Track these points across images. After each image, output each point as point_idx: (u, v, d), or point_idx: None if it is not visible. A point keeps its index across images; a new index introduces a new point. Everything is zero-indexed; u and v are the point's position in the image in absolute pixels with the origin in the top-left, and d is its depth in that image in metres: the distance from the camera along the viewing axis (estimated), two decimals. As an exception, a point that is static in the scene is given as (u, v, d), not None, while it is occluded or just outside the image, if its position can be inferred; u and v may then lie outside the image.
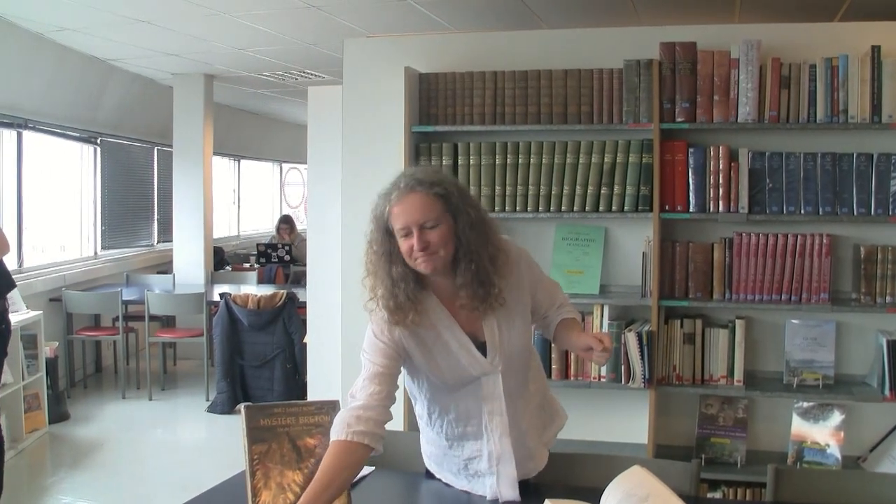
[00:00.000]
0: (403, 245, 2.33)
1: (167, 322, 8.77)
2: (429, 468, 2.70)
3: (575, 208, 4.17)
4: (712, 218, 4.10)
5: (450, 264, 2.38)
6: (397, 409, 4.05)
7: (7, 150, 7.49)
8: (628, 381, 4.10)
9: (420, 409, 2.63)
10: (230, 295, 7.24)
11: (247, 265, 11.19)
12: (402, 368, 2.48)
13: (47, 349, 6.76)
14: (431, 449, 2.67)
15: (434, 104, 4.35)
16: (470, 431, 2.53)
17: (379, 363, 2.38)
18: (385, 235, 2.37)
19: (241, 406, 2.26)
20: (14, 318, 6.14)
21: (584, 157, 4.17)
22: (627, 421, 4.29)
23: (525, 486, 2.57)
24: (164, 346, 8.57)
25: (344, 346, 4.73)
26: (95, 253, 9.15)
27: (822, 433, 4.07)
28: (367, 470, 2.68)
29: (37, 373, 6.45)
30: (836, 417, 4.05)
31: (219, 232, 11.49)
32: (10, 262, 7.41)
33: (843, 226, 4.10)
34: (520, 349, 2.54)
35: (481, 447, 2.52)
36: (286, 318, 7.15)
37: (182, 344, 8.84)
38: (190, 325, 8.27)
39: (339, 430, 2.25)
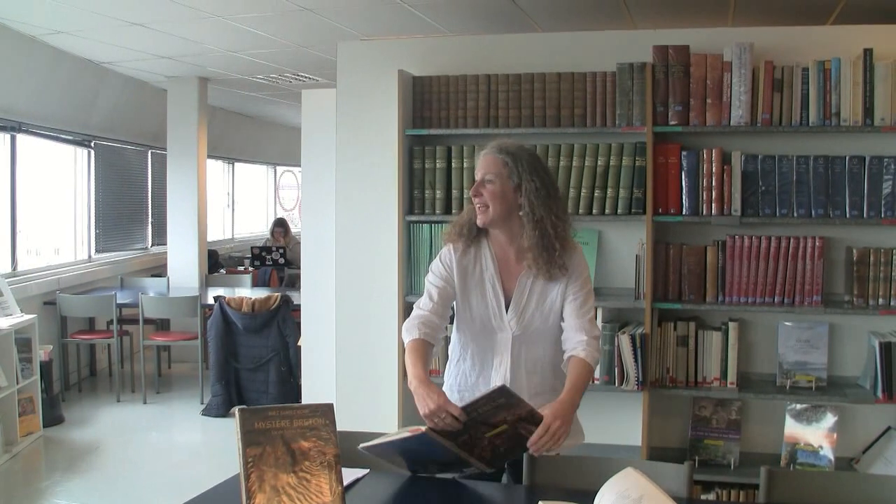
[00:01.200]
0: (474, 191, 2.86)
1: (161, 325, 8.75)
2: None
3: (569, 211, 4.18)
4: (705, 221, 4.12)
5: (503, 223, 2.86)
6: (392, 412, 4.09)
7: (0, 153, 7.48)
8: (622, 384, 4.11)
9: (449, 366, 3.08)
10: (224, 298, 7.23)
11: (241, 268, 11.17)
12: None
13: (41, 353, 6.74)
14: (462, 376, 3.00)
15: (427, 107, 4.37)
16: (481, 382, 2.93)
17: (437, 284, 2.94)
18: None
19: (236, 409, 2.27)
20: (8, 321, 6.16)
21: (578, 160, 4.18)
22: (621, 423, 4.30)
23: (517, 482, 2.62)
24: (159, 349, 8.56)
25: (338, 349, 4.74)
26: (89, 256, 9.13)
27: (815, 435, 4.09)
28: (360, 472, 2.69)
29: (31, 376, 6.43)
30: (829, 419, 4.07)
31: (213, 235, 11.47)
32: (4, 266, 7.41)
33: (835, 228, 4.12)
34: (538, 325, 2.90)
35: None
36: (281, 321, 7.15)
37: (176, 347, 8.83)
38: (184, 329, 8.26)
39: (412, 332, 2.85)
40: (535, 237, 2.80)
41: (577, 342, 2.85)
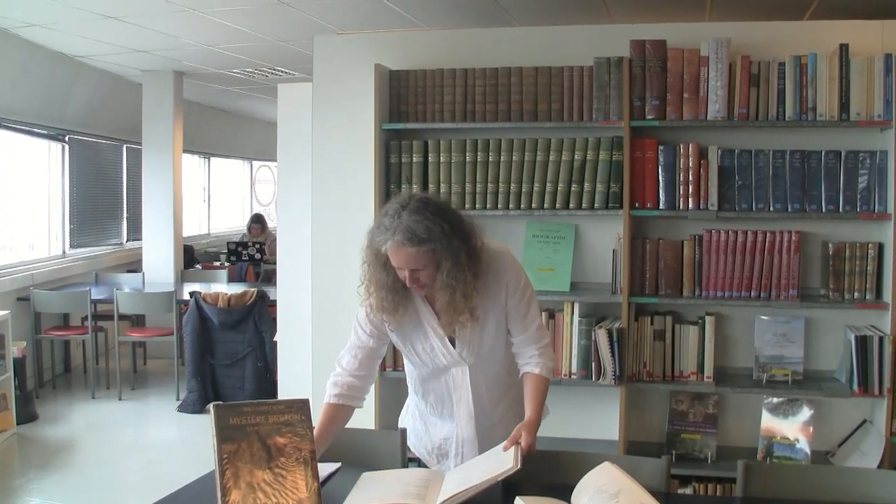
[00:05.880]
0: (399, 273, 2.61)
1: (137, 321, 8.70)
2: (409, 445, 2.96)
3: (545, 205, 4.18)
4: (682, 215, 4.13)
5: None
6: (369, 408, 4.06)
7: (-27, 147, 7.41)
8: (599, 378, 4.11)
9: (411, 389, 3.01)
10: (200, 293, 7.19)
11: (217, 263, 11.13)
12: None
13: (15, 349, 6.69)
14: (416, 424, 3.01)
15: (404, 101, 4.35)
16: (445, 415, 2.89)
17: (363, 339, 2.79)
18: (378, 254, 2.64)
19: (211, 405, 2.25)
20: (-20, 317, 6.11)
21: (555, 154, 4.17)
22: (598, 417, 4.31)
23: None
24: (134, 345, 8.52)
25: (314, 344, 4.72)
26: (64, 251, 9.06)
27: (791, 428, 4.10)
28: (333, 467, 2.68)
29: (4, 373, 6.38)
30: (806, 413, 4.08)
31: (189, 230, 11.41)
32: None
33: (811, 223, 4.14)
34: (489, 347, 2.79)
35: (451, 431, 2.87)
36: (257, 317, 7.12)
37: (152, 343, 8.76)
38: (160, 324, 8.22)
39: (326, 396, 2.73)
40: (445, 299, 2.61)
41: (529, 357, 2.78)
